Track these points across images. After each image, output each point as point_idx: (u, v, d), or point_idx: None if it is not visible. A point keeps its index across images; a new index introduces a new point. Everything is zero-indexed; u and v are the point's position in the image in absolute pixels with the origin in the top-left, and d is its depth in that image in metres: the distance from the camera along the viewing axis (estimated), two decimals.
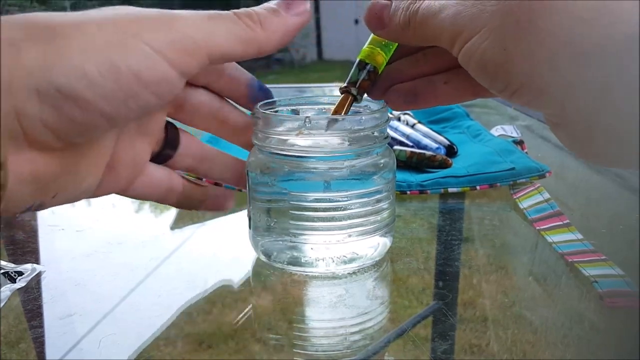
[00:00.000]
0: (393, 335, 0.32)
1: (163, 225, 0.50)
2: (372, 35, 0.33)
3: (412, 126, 0.70)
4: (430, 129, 0.69)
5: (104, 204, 0.56)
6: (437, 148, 0.63)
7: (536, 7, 0.23)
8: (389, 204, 0.39)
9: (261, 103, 0.39)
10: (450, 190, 0.53)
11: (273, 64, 8.08)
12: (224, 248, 0.44)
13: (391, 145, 0.61)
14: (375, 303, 0.36)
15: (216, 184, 0.54)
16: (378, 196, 0.38)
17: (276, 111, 0.40)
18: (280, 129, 0.37)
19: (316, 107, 0.42)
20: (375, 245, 0.39)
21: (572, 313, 0.35)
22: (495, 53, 0.24)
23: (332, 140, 0.36)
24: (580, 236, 0.42)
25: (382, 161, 0.38)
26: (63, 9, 5.17)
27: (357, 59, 0.34)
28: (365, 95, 0.36)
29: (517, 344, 0.31)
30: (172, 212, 0.53)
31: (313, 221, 0.37)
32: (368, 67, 0.33)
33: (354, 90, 0.34)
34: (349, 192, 0.37)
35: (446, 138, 0.65)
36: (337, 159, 0.37)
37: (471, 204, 0.53)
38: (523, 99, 0.25)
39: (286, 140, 0.37)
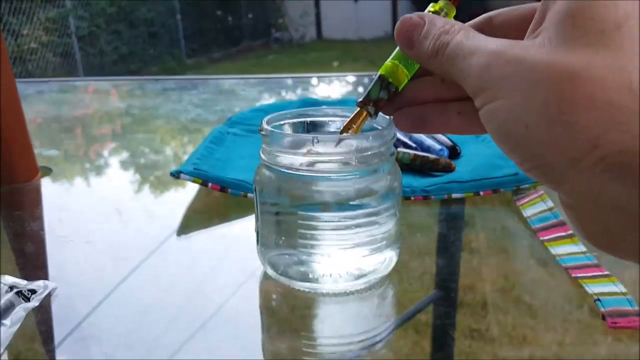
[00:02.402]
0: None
1: (169, 231, 0.50)
2: (397, 48, 0.31)
3: None
4: None
5: (110, 212, 0.56)
6: (440, 150, 0.63)
7: (573, 96, 0.21)
8: (395, 220, 0.40)
9: (270, 118, 0.40)
10: (454, 195, 0.54)
11: (272, 43, 8.02)
12: (231, 259, 0.45)
13: (395, 146, 0.61)
14: (380, 319, 0.37)
15: (222, 189, 0.55)
16: (385, 213, 0.38)
17: (284, 124, 0.41)
18: (288, 147, 0.37)
19: (327, 119, 0.42)
20: (382, 261, 0.39)
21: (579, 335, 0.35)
22: (516, 127, 0.22)
23: (339, 159, 0.37)
24: (583, 248, 0.43)
25: (388, 177, 0.38)
26: (63, 6, 5.07)
27: (379, 74, 0.32)
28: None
29: None
30: (176, 219, 0.53)
31: (321, 238, 0.37)
32: (390, 86, 0.32)
33: (371, 109, 0.33)
34: (356, 210, 0.37)
35: (449, 138, 0.66)
36: (344, 177, 0.37)
37: (474, 209, 0.53)
38: (538, 179, 0.23)
39: (294, 158, 0.37)
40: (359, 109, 0.33)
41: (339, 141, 0.35)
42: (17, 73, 4.40)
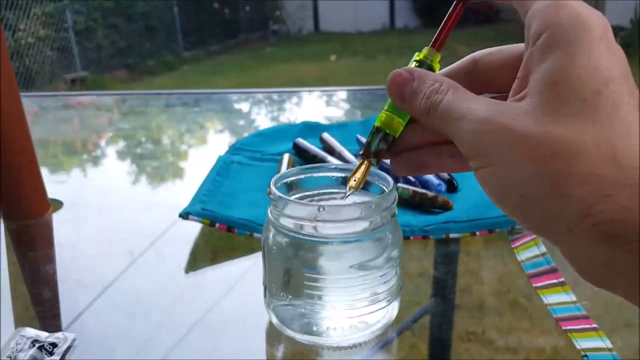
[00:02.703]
0: None
1: (177, 271, 0.53)
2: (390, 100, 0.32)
3: None
4: None
5: (120, 250, 0.58)
6: (439, 184, 0.65)
7: (564, 172, 0.22)
8: (397, 274, 0.42)
9: (277, 178, 0.42)
10: (452, 235, 0.56)
11: (270, 36, 8.00)
12: (238, 308, 0.47)
13: (396, 181, 0.63)
14: None
15: (228, 230, 0.57)
16: (388, 271, 0.41)
17: (291, 182, 0.43)
18: (296, 212, 0.39)
19: (331, 174, 0.44)
20: (384, 313, 0.42)
21: None
22: (511, 195, 0.24)
23: (344, 225, 0.39)
24: (573, 297, 0.45)
25: (390, 237, 0.41)
26: (60, 0, 5.03)
27: (375, 126, 0.33)
28: None
29: None
30: (184, 257, 0.56)
31: (326, 296, 0.40)
32: (387, 137, 0.33)
33: (372, 160, 0.34)
34: (361, 271, 0.39)
35: (447, 173, 0.68)
36: (349, 241, 0.39)
37: (470, 249, 0.56)
38: (535, 235, 0.25)
39: (301, 224, 0.39)
40: (361, 160, 0.35)
41: (347, 196, 0.36)
42: (15, 68, 4.39)
